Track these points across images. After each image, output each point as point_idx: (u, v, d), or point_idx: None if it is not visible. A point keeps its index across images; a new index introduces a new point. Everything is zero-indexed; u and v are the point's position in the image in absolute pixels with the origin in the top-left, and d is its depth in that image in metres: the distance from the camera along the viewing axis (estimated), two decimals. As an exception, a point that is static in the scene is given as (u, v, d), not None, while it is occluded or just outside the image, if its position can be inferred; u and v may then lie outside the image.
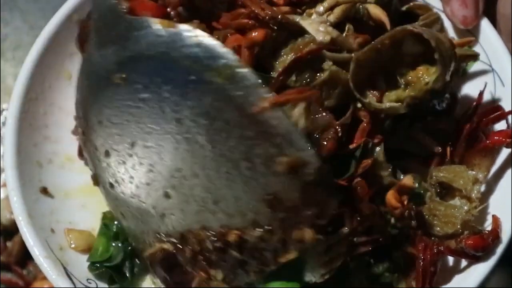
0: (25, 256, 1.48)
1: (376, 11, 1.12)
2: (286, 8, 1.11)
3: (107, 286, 1.10)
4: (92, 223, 1.16)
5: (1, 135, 1.54)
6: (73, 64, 1.22)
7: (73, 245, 1.13)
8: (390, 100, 1.05)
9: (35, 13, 1.64)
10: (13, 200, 1.09)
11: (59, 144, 1.19)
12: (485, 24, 1.13)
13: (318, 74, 1.05)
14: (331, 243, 1.03)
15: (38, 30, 1.20)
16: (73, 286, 1.05)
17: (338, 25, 1.11)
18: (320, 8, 1.11)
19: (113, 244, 1.12)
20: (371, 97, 1.06)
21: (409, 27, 1.01)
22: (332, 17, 1.10)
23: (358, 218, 1.04)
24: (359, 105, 1.07)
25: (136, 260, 1.13)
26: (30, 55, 1.17)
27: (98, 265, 1.10)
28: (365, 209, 1.01)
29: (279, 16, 1.03)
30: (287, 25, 1.05)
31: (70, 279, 1.05)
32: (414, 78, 1.05)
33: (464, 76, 1.17)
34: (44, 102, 1.20)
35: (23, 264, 1.50)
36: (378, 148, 1.05)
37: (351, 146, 1.04)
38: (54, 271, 1.05)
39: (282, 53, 1.07)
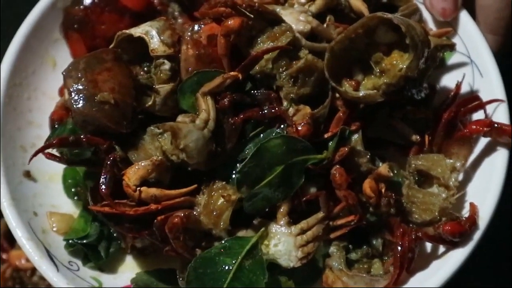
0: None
1: (357, 3, 1.17)
2: (268, -3, 1.12)
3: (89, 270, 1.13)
4: (74, 206, 1.20)
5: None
6: (57, 50, 1.27)
7: (55, 228, 1.16)
8: (367, 88, 1.09)
9: (22, 4, 1.64)
10: (-4, 185, 1.09)
11: (43, 128, 1.22)
12: (464, 16, 1.17)
13: (294, 62, 1.08)
14: (306, 226, 1.05)
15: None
16: (55, 268, 1.06)
17: (319, 16, 1.15)
18: (302, -2, 1.12)
19: (92, 224, 1.15)
20: (347, 85, 1.09)
21: (379, 14, 1.05)
22: (313, 8, 1.15)
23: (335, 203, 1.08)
24: (337, 94, 1.09)
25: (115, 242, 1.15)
26: (14, 42, 1.22)
27: (72, 242, 1.14)
28: (342, 195, 1.05)
29: (256, 4, 1.06)
30: (265, 14, 1.08)
31: (53, 261, 1.09)
32: (388, 65, 1.08)
33: (443, 68, 1.22)
34: (28, 87, 1.24)
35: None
36: (355, 136, 1.09)
37: (326, 135, 1.09)
38: (37, 253, 1.08)
39: (259, 41, 1.10)
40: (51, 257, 1.09)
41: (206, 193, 1.07)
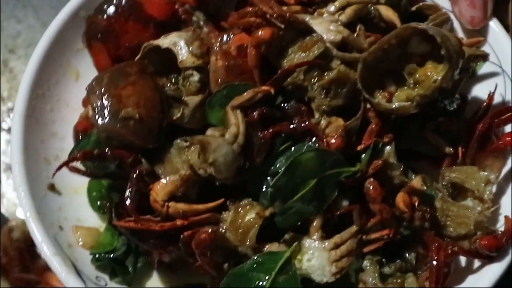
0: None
1: (387, 12, 1.17)
2: (297, 7, 1.15)
3: (117, 286, 1.12)
4: (99, 220, 1.19)
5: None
6: (80, 60, 1.26)
7: (81, 243, 1.16)
8: (400, 100, 1.08)
9: (48, 11, 1.64)
10: (21, 196, 1.12)
11: (66, 140, 1.21)
12: (495, 25, 1.17)
13: (326, 73, 1.07)
14: (340, 241, 1.05)
15: (51, 27, 1.22)
16: (83, 283, 1.07)
17: (349, 25, 1.14)
18: (332, 7, 1.15)
19: (119, 238, 1.13)
20: (380, 97, 1.09)
21: (413, 24, 1.05)
22: (343, 17, 1.14)
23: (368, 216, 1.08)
24: (369, 105, 1.09)
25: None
26: (36, 52, 1.21)
27: (100, 257, 1.13)
28: (377, 209, 1.03)
29: (287, 15, 1.06)
30: (295, 24, 1.08)
31: (80, 276, 1.08)
32: (422, 76, 1.08)
33: (474, 78, 1.21)
34: (51, 98, 1.23)
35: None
36: (388, 148, 1.09)
37: (358, 148, 1.08)
38: (64, 268, 1.07)
39: (290, 52, 1.09)
40: (78, 272, 1.09)
41: (233, 210, 1.06)
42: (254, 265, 1.03)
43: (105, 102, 1.06)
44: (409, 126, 1.13)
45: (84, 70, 1.25)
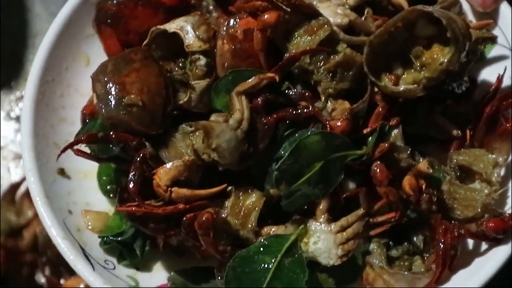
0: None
1: None
2: (304, -9, 1.11)
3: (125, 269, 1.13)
4: (109, 204, 1.19)
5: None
6: (90, 46, 1.26)
7: (90, 226, 1.16)
8: (407, 83, 1.08)
9: (55, 0, 1.63)
10: (30, 181, 1.12)
11: (76, 125, 1.21)
12: (505, 8, 1.16)
13: (332, 56, 1.07)
14: (346, 224, 1.05)
15: (58, 17, 1.23)
16: (91, 267, 1.06)
17: (357, 9, 1.13)
18: (340, -10, 1.12)
19: (127, 222, 1.14)
20: (387, 80, 1.08)
21: (419, 7, 1.04)
22: (351, 0, 1.13)
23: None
24: (376, 89, 1.09)
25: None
26: (46, 38, 1.22)
27: (108, 240, 1.13)
28: (384, 192, 1.04)
29: (293, -2, 1.05)
30: (302, 7, 1.08)
31: (89, 260, 1.09)
32: (429, 59, 1.07)
33: (483, 61, 1.20)
34: (61, 84, 1.24)
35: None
36: (395, 131, 1.09)
37: (365, 131, 1.08)
38: (72, 252, 1.08)
39: (296, 35, 1.09)
40: (86, 256, 1.09)
41: (233, 195, 1.06)
42: (260, 248, 1.04)
43: (109, 90, 1.06)
44: (417, 110, 1.12)
45: (95, 55, 1.25)
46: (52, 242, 1.08)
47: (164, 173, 1.04)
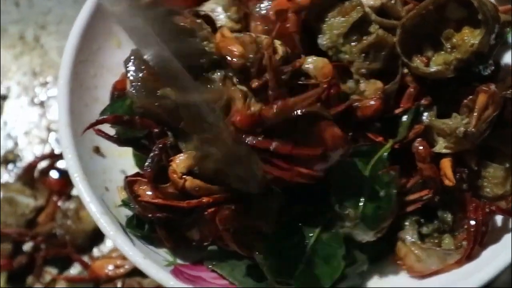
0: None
1: None
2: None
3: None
4: (145, 181, 1.14)
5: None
6: (121, 28, 1.18)
7: None
8: (437, 64, 1.09)
9: (79, -14, 1.63)
10: (68, 158, 1.11)
11: (108, 105, 1.20)
12: None
13: (365, 37, 1.08)
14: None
15: (82, 4, 1.23)
16: (131, 242, 1.06)
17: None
18: (373, -27, 1.15)
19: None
20: (418, 61, 1.09)
21: None
22: None
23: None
24: (405, 70, 1.10)
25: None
26: (79, 19, 1.21)
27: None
28: (425, 169, 1.05)
29: (327, -20, 1.07)
30: None
31: (127, 235, 1.07)
32: (459, 41, 1.08)
33: (505, 45, 1.21)
34: (94, 64, 1.24)
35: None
36: (428, 111, 1.09)
37: (397, 111, 1.09)
38: (112, 227, 1.06)
39: (329, 16, 1.09)
40: (125, 231, 1.07)
41: None
42: (299, 223, 1.04)
43: (143, 78, 1.05)
44: (444, 91, 1.13)
45: (126, 37, 1.21)
46: (92, 218, 1.07)
47: (181, 161, 1.03)
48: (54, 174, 1.55)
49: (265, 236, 1.04)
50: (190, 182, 1.02)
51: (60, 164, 1.56)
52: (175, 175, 1.02)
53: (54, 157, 1.56)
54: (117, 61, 1.21)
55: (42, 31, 1.73)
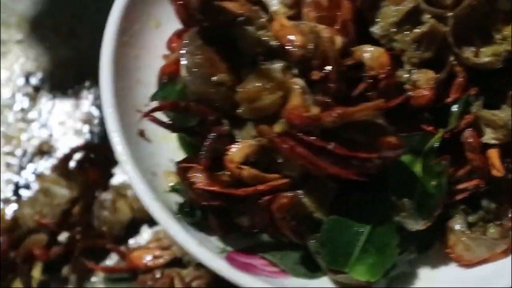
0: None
1: None
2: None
3: None
4: (190, 164, 1.13)
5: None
6: (159, 9, 1.23)
7: None
8: (486, 55, 1.08)
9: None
10: (115, 142, 1.08)
11: (150, 87, 1.18)
12: None
13: (417, 26, 1.07)
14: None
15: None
16: (184, 229, 1.03)
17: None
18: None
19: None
20: (468, 52, 1.08)
21: None
22: None
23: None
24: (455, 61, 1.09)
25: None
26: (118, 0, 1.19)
27: None
28: (475, 159, 1.05)
29: (381, -32, 1.06)
30: None
31: (180, 222, 1.04)
32: (509, 33, 1.07)
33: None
34: (135, 45, 1.21)
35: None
36: (476, 101, 1.08)
37: (448, 100, 1.07)
38: (164, 213, 1.04)
39: (382, 5, 1.08)
40: (176, 218, 1.05)
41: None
42: (355, 212, 1.03)
43: (198, 64, 1.02)
44: (490, 82, 1.12)
45: (165, 18, 1.23)
46: (142, 204, 1.04)
47: (238, 150, 1.02)
48: (89, 165, 1.53)
49: (319, 224, 1.04)
50: (247, 171, 1.00)
51: (95, 155, 1.55)
52: (232, 165, 1.01)
53: (89, 148, 1.55)
54: (156, 42, 1.21)
55: (76, 23, 1.70)
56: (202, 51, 1.03)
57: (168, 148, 1.17)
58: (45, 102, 1.63)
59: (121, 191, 1.48)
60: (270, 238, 1.09)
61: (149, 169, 1.11)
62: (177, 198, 1.10)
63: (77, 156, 1.54)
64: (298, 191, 1.03)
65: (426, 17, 1.07)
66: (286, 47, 1.01)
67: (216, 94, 1.02)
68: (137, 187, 1.05)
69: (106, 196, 1.47)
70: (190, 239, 1.02)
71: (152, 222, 1.46)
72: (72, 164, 1.53)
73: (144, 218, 1.46)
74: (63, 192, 1.47)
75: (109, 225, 1.44)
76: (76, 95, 1.64)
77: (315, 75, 1.00)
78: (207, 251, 1.01)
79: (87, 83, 1.64)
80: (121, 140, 1.08)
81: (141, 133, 1.15)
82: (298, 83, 1.00)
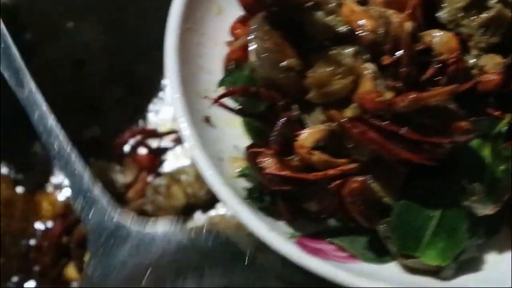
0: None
1: None
2: None
3: None
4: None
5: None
6: None
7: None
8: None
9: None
10: (183, 127, 1.08)
11: (212, 75, 1.18)
12: None
13: (484, 11, 1.06)
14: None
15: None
16: (254, 214, 1.03)
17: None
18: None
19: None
20: None
21: None
22: None
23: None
24: None
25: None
26: None
27: None
28: None
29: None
30: None
31: (250, 208, 1.04)
32: None
33: None
34: (197, 32, 1.21)
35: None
36: None
37: None
38: (234, 199, 1.03)
39: (447, -8, 1.10)
40: (245, 203, 1.04)
41: None
42: (426, 197, 1.02)
43: (266, 49, 1.02)
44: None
45: (226, 4, 1.22)
46: (211, 189, 1.04)
47: (309, 135, 1.01)
48: (143, 151, 1.53)
49: (387, 209, 1.03)
50: (318, 156, 1.00)
51: (149, 140, 1.54)
52: (303, 150, 1.00)
53: (143, 134, 1.54)
54: (218, 29, 1.20)
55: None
56: (270, 36, 1.03)
57: (232, 134, 1.17)
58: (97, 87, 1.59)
59: (175, 176, 1.47)
60: (337, 223, 1.09)
61: (215, 154, 1.11)
62: (244, 184, 1.09)
63: (131, 141, 1.54)
64: (367, 175, 1.03)
65: (493, 1, 1.07)
66: (357, 32, 1.01)
67: (285, 79, 1.02)
68: (206, 172, 1.05)
69: (161, 181, 1.47)
70: (262, 225, 1.01)
71: (205, 208, 1.46)
72: (125, 149, 1.53)
73: (198, 204, 1.46)
74: (116, 177, 1.48)
75: (164, 210, 1.44)
76: (130, 80, 1.59)
77: (386, 59, 1.00)
78: (278, 236, 1.01)
79: (139, 68, 1.59)
80: (189, 125, 1.08)
81: (207, 119, 1.15)
82: (369, 68, 1.00)
